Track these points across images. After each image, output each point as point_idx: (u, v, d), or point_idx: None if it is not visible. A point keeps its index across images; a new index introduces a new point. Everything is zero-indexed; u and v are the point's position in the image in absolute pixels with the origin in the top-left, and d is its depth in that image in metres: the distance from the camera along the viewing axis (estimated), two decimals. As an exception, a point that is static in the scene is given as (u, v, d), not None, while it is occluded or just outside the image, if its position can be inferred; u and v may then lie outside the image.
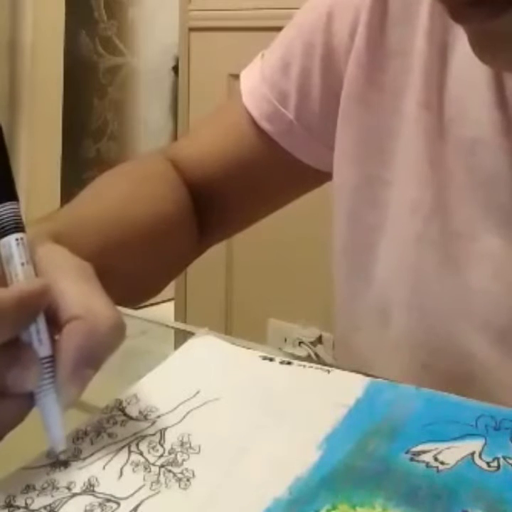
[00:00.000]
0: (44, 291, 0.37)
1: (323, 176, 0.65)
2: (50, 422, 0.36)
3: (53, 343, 0.37)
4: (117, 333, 0.37)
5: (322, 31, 0.60)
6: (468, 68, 0.53)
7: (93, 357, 0.37)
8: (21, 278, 0.37)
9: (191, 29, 1.75)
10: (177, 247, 0.65)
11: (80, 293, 0.37)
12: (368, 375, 0.43)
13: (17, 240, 0.38)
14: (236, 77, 1.75)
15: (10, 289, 0.37)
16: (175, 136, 2.28)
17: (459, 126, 0.54)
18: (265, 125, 0.64)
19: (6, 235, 0.38)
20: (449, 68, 0.54)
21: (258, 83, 0.65)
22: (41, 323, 0.37)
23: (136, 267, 0.60)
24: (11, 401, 0.36)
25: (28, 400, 0.36)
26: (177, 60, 1.88)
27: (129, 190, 0.62)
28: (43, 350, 0.37)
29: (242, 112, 0.65)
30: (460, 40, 0.53)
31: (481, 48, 0.44)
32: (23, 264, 0.38)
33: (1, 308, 0.35)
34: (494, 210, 0.52)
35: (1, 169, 0.39)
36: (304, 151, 0.65)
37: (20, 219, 0.39)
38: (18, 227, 0.38)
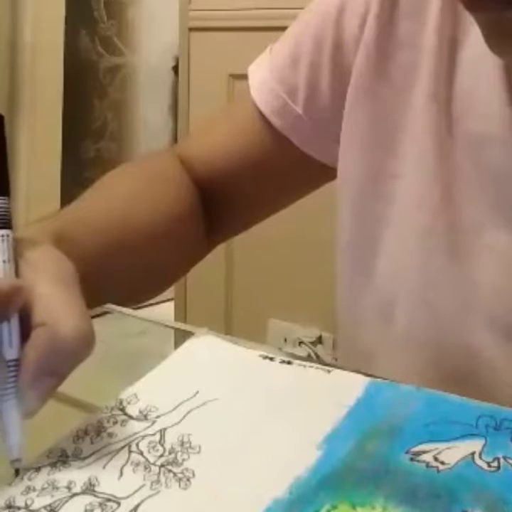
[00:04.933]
0: (16, 292, 0.36)
1: (332, 172, 0.64)
2: (9, 427, 0.36)
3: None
4: (81, 343, 0.36)
5: (332, 25, 0.60)
6: (478, 64, 0.53)
7: (54, 366, 0.36)
8: (0, 275, 0.37)
9: (191, 29, 1.75)
10: (182, 246, 0.64)
11: (52, 299, 0.37)
12: (368, 375, 0.43)
13: (2, 236, 0.38)
14: (236, 77, 1.76)
15: None
16: (175, 136, 2.28)
17: (467, 121, 0.53)
18: (274, 120, 0.64)
19: None
20: (459, 63, 0.54)
21: (267, 78, 0.65)
22: (14, 325, 0.36)
23: (140, 267, 0.59)
24: None
25: None
26: (177, 60, 1.88)
27: (134, 190, 0.61)
28: (11, 353, 0.36)
29: (251, 107, 0.65)
30: (470, 37, 0.53)
31: (494, 37, 0.44)
32: (4, 261, 0.37)
33: None
34: (502, 205, 0.52)
35: None
36: (313, 145, 0.64)
37: (9, 215, 0.38)
38: (5, 223, 0.38)
